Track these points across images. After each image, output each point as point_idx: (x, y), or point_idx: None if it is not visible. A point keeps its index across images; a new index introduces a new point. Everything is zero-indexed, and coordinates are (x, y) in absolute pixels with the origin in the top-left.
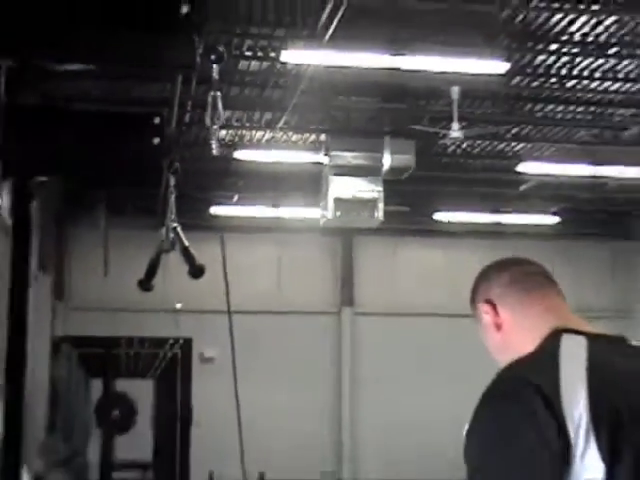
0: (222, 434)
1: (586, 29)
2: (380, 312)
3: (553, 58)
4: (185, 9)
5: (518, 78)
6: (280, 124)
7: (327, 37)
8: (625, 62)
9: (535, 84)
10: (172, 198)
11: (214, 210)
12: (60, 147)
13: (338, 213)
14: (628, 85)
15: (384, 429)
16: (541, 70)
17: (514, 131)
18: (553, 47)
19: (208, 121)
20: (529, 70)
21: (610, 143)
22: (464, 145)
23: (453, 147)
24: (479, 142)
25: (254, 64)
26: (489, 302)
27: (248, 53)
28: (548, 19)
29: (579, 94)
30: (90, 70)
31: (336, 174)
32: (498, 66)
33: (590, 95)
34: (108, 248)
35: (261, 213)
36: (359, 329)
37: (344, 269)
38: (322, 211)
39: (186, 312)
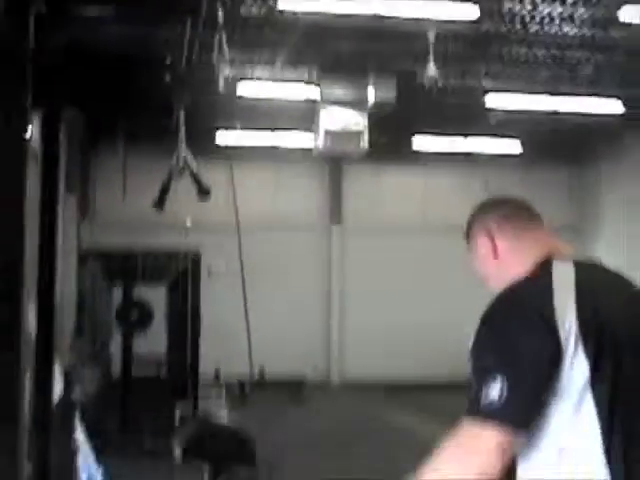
0: (226, 334)
1: None
2: (365, 228)
3: (518, 7)
4: None
5: (488, 23)
6: (277, 61)
7: None
8: (581, 10)
9: (503, 29)
10: (182, 129)
11: (219, 139)
12: (84, 83)
13: (328, 142)
14: (584, 30)
15: (369, 330)
16: (508, 16)
17: (483, 70)
18: None
19: (215, 60)
20: (497, 16)
21: (567, 81)
22: (440, 82)
23: (429, 83)
24: (453, 79)
25: (254, 10)
26: (487, 232)
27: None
28: None
29: (541, 38)
30: (110, 16)
31: (326, 107)
32: (470, 12)
33: (550, 39)
34: (126, 172)
35: (260, 142)
36: (346, 244)
37: (333, 192)
38: (314, 141)
39: (196, 229)
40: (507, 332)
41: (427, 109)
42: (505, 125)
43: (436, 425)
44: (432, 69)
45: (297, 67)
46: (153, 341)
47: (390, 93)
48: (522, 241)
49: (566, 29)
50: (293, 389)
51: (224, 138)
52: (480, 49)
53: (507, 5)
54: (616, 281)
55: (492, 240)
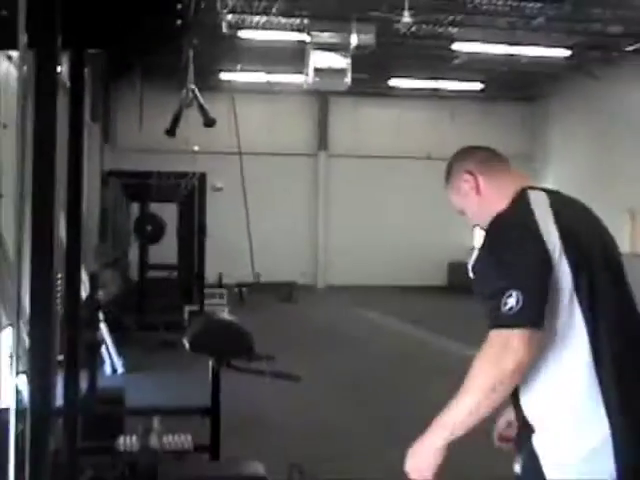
0: (228, 244)
1: None
2: (347, 153)
3: None
4: None
5: None
6: (273, 10)
7: None
8: None
9: None
10: (191, 66)
11: (222, 76)
12: (105, 26)
13: (316, 79)
14: None
15: (349, 240)
16: None
17: (450, 18)
18: None
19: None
20: None
21: (522, 29)
22: (413, 28)
23: (404, 30)
24: (424, 26)
25: None
26: (469, 172)
27: None
28: None
29: None
30: None
31: (315, 49)
32: None
33: None
34: (142, 104)
35: (258, 78)
36: (331, 166)
37: (320, 122)
38: (304, 77)
39: (202, 153)
40: (509, 254)
41: (402, 52)
42: (468, 66)
43: (395, 317)
44: (407, 17)
45: (290, 15)
46: (165, 251)
47: (370, 38)
48: (499, 178)
49: None
50: (284, 291)
51: (227, 75)
52: (448, 0)
53: None
54: (577, 204)
55: (475, 179)
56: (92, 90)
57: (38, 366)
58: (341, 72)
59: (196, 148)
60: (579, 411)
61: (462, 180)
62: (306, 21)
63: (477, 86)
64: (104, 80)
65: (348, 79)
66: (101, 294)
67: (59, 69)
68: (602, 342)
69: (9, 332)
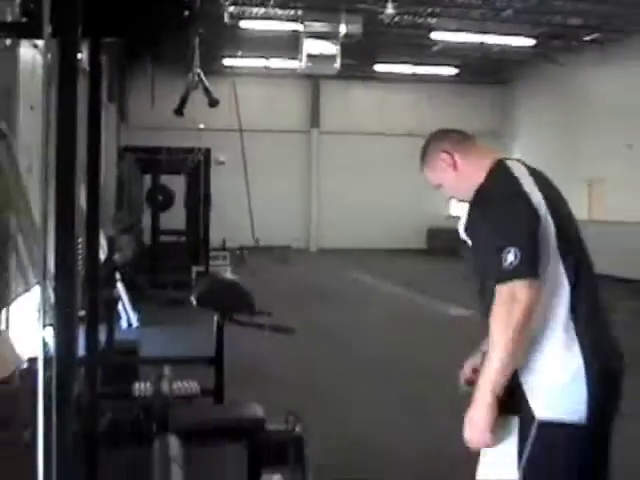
0: (230, 212)
1: None
2: (337, 131)
3: None
4: None
5: None
6: (271, 2)
7: None
8: None
9: None
10: (196, 53)
11: (225, 62)
12: (121, 17)
13: (309, 64)
14: None
15: (338, 209)
16: None
17: (429, 10)
18: None
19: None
20: None
21: (493, 20)
22: (396, 19)
23: (388, 20)
24: (405, 17)
25: None
26: (445, 151)
27: None
28: None
29: None
30: None
31: (308, 37)
32: None
33: None
34: (154, 87)
35: (257, 64)
36: (322, 142)
37: (313, 102)
38: (298, 62)
39: (207, 130)
40: (503, 215)
41: (385, 40)
42: (445, 53)
43: (379, 277)
44: (390, 9)
45: (285, 7)
46: (174, 218)
47: (357, 27)
48: (473, 155)
49: None
50: (281, 254)
51: (229, 61)
52: None
53: None
54: (543, 174)
55: (452, 157)
56: (109, 74)
57: (62, 320)
58: (331, 58)
59: (201, 126)
60: (559, 348)
61: (439, 159)
62: (300, 12)
63: (452, 71)
64: (119, 65)
65: (337, 64)
66: (117, 256)
67: (79, 56)
68: (578, 290)
69: (37, 290)
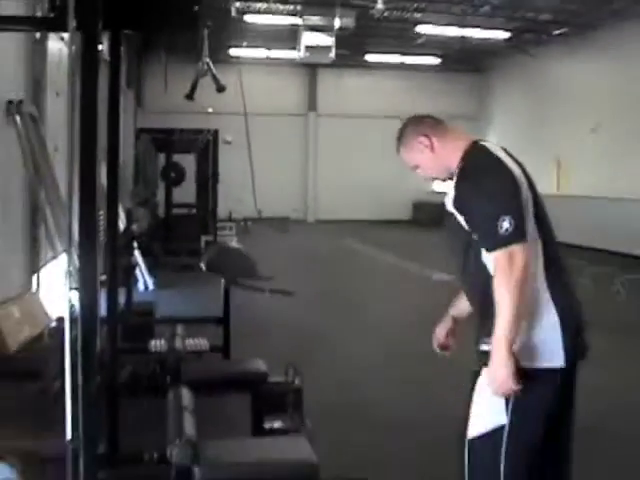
0: (236, 187)
1: None
2: (332, 114)
3: None
4: None
5: None
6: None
7: None
8: None
9: None
10: (205, 43)
11: (231, 52)
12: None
13: (307, 54)
14: None
15: (334, 185)
16: None
17: (415, 6)
18: None
19: None
20: None
21: (472, 15)
22: (385, 14)
23: (378, 15)
24: (394, 12)
25: None
26: (424, 135)
27: None
28: None
29: None
30: None
31: (306, 30)
32: None
33: None
34: (167, 73)
35: (260, 54)
36: (319, 124)
37: (310, 88)
38: (297, 53)
39: (215, 114)
40: (493, 187)
41: (376, 32)
42: (429, 44)
43: (371, 245)
44: (380, 5)
45: (286, 3)
46: (186, 192)
47: (350, 21)
48: (449, 137)
49: None
50: (281, 224)
51: (235, 51)
52: None
53: None
54: (510, 152)
55: (429, 139)
56: (127, 63)
57: (86, 284)
58: (327, 48)
59: (210, 109)
60: (537, 303)
61: (418, 141)
62: (299, 7)
63: (436, 60)
64: (136, 55)
65: (332, 54)
66: (135, 227)
67: (100, 47)
68: (548, 253)
69: (64, 257)
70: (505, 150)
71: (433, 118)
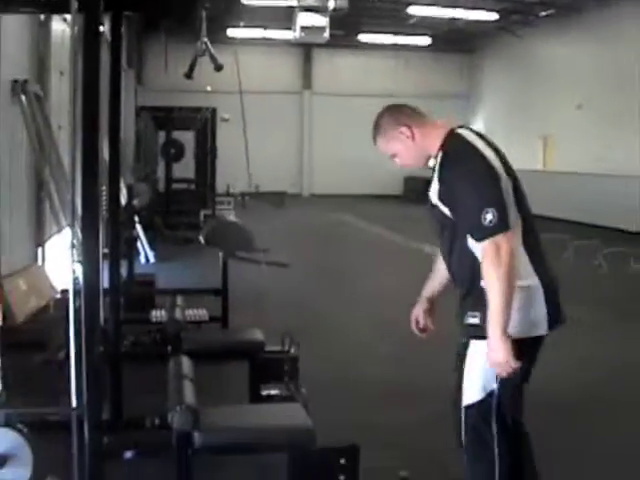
0: (233, 162)
1: None
2: (326, 93)
3: None
4: None
5: None
6: None
7: None
8: None
9: None
10: (203, 24)
11: (229, 32)
12: None
13: (302, 34)
14: None
15: (329, 160)
16: None
17: None
18: None
19: None
20: None
21: None
22: None
23: None
24: None
25: None
26: (405, 125)
27: None
28: None
29: None
30: None
31: (301, 11)
32: None
33: None
34: (167, 53)
35: (257, 34)
36: (314, 102)
37: (305, 67)
38: (293, 33)
39: (213, 92)
40: (472, 178)
41: (369, 13)
42: (420, 25)
43: (364, 219)
44: None
45: None
46: (185, 168)
47: (344, 2)
48: (427, 125)
49: None
50: (277, 199)
51: (232, 31)
52: None
53: None
54: (485, 135)
55: (410, 129)
56: (128, 43)
57: (89, 256)
58: (321, 29)
59: (208, 88)
60: (521, 276)
61: (399, 131)
62: None
63: (427, 41)
64: (137, 35)
65: (327, 34)
66: (136, 202)
67: (102, 28)
68: (526, 225)
69: (68, 231)
70: (482, 136)
71: (410, 107)
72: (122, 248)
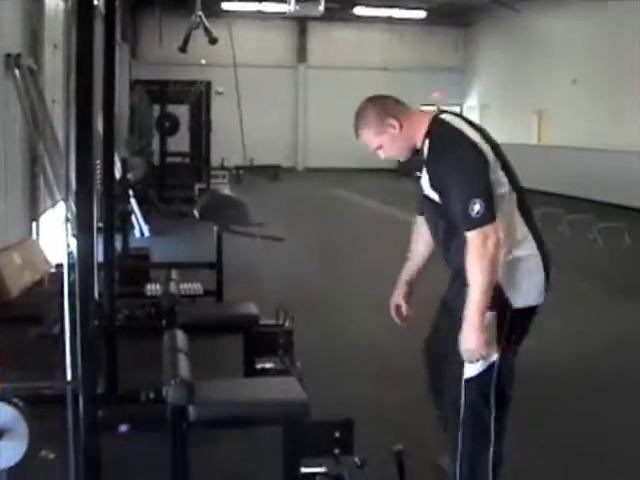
0: (228, 136)
1: None
2: (321, 66)
3: None
4: None
5: None
6: None
7: None
8: None
9: None
10: None
11: (223, 5)
12: None
13: (297, 7)
14: None
15: (323, 134)
16: None
17: None
18: None
19: None
20: None
21: None
22: None
23: None
24: None
25: None
26: (393, 117)
27: None
28: None
29: None
30: None
31: None
32: None
33: None
34: (161, 27)
35: (251, 7)
36: (309, 76)
37: (300, 41)
38: (288, 6)
39: (207, 66)
40: (460, 166)
41: None
42: None
43: (358, 192)
44: None
45: None
46: (180, 142)
47: None
48: (412, 115)
49: None
50: (272, 172)
51: (226, 5)
52: None
53: None
54: (467, 117)
55: (398, 120)
56: (122, 16)
57: (83, 230)
58: (316, 2)
59: (203, 62)
60: (521, 246)
61: (387, 123)
62: None
63: (422, 14)
64: (131, 8)
65: (322, 7)
66: (131, 175)
67: (96, 1)
68: (520, 199)
69: (62, 205)
70: (464, 118)
71: (391, 97)
72: (116, 222)
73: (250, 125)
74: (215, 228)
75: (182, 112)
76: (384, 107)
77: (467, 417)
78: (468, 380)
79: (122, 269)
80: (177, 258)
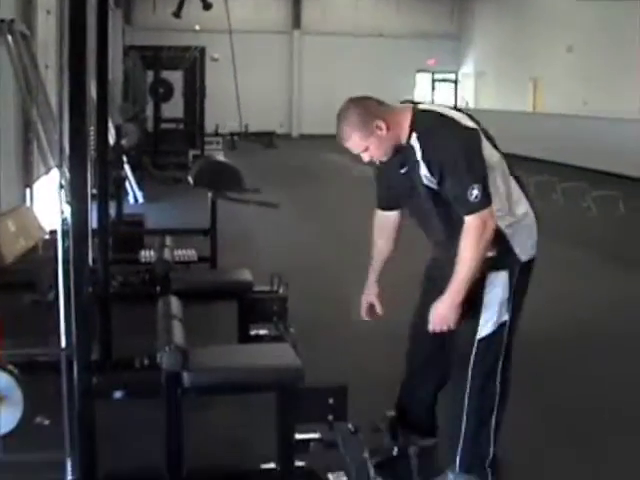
0: (222, 102)
1: None
2: (315, 32)
3: None
4: None
5: None
6: None
7: None
8: None
9: None
10: None
11: None
12: None
13: None
14: None
15: (317, 101)
16: None
17: None
18: None
19: None
20: None
21: None
22: None
23: None
24: None
25: None
26: (378, 117)
27: None
28: None
29: None
30: None
31: None
32: None
33: None
34: None
35: None
36: (303, 42)
37: (295, 7)
38: None
39: (202, 31)
40: (464, 156)
41: None
42: None
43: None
44: None
45: None
46: (174, 108)
47: None
48: (395, 112)
49: None
50: (267, 139)
51: None
52: None
53: None
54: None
55: (385, 121)
56: None
57: (77, 197)
58: None
59: (197, 27)
60: (520, 203)
61: (375, 126)
62: None
63: None
64: None
65: None
66: (124, 142)
67: None
68: (510, 167)
69: (56, 171)
70: (439, 104)
71: (373, 97)
72: (110, 188)
73: (244, 91)
74: (209, 194)
75: (176, 78)
76: (369, 109)
77: (476, 376)
78: (481, 340)
79: (116, 235)
80: (171, 224)
